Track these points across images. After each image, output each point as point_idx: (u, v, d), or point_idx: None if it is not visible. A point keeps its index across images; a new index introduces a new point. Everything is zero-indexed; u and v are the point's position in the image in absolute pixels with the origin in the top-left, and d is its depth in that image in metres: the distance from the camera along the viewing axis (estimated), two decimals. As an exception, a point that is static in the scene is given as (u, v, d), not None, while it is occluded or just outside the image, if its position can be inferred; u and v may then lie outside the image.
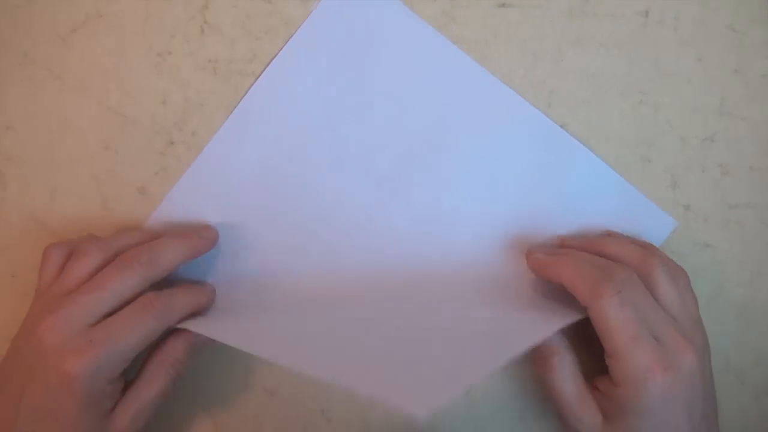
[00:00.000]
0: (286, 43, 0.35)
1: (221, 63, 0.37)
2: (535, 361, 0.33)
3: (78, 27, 0.37)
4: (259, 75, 0.37)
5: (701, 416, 0.30)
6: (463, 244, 0.36)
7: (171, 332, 0.32)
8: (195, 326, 0.31)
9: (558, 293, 0.33)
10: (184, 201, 0.36)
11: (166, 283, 0.33)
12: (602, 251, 0.33)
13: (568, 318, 0.31)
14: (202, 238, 0.35)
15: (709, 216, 0.37)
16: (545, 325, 0.30)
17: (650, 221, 0.36)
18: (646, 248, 0.33)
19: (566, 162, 0.36)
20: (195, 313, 0.33)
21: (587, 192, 0.36)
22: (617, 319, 0.30)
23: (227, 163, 0.36)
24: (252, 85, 0.37)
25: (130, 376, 0.32)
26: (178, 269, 0.33)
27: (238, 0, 0.37)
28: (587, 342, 0.33)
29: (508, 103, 0.35)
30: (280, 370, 0.38)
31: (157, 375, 0.32)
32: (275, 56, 0.36)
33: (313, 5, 0.37)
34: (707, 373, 0.31)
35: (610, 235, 0.36)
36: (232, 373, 0.38)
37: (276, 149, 0.35)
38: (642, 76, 0.37)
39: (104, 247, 0.32)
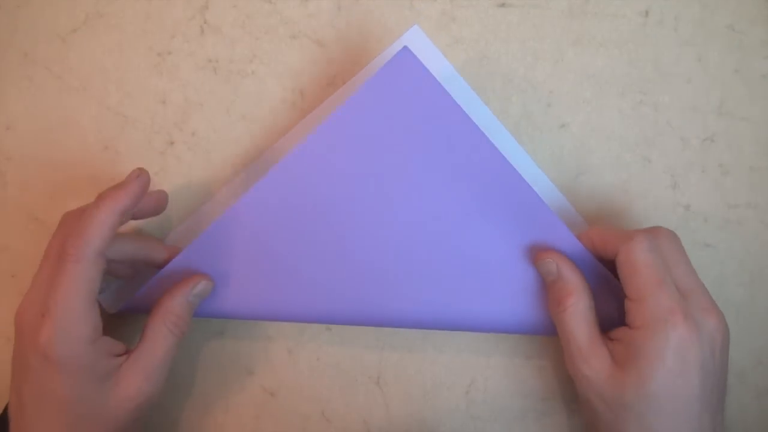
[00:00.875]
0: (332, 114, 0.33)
1: (221, 63, 0.37)
2: (550, 300, 0.33)
3: (78, 27, 0.37)
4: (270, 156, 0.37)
5: (712, 388, 0.29)
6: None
7: (168, 292, 0.33)
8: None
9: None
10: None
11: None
12: None
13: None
14: (129, 185, 0.31)
15: (709, 216, 0.37)
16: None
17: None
18: None
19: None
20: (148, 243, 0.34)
21: None
22: (645, 261, 0.30)
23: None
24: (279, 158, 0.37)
25: (132, 344, 0.32)
26: None
27: (238, 0, 0.37)
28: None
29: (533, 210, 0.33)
30: (280, 370, 0.38)
31: (159, 334, 0.32)
32: (309, 134, 0.33)
33: (313, 5, 0.37)
34: (725, 353, 0.31)
35: None
36: (232, 373, 0.38)
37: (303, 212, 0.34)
38: (642, 76, 0.37)
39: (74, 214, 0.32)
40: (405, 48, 0.32)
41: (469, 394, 0.37)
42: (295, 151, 0.33)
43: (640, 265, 0.30)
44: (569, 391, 0.37)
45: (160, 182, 0.37)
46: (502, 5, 0.37)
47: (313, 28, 0.37)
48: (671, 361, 0.29)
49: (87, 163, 0.37)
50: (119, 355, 0.31)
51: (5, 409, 0.32)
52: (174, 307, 0.32)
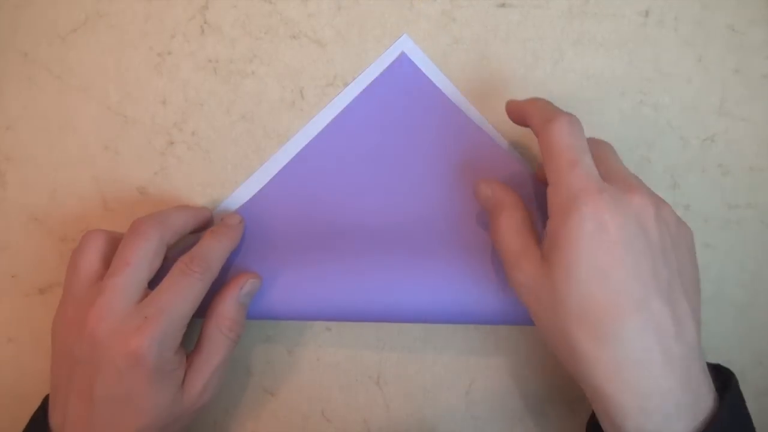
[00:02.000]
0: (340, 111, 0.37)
1: (221, 63, 0.37)
2: (490, 224, 0.32)
3: (78, 27, 0.37)
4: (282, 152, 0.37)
5: (656, 270, 0.27)
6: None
7: (218, 296, 0.33)
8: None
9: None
10: None
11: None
12: None
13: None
14: (206, 210, 0.36)
15: (709, 216, 0.37)
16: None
17: None
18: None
19: None
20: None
21: None
22: (561, 142, 0.28)
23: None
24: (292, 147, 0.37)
25: (189, 348, 0.33)
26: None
27: (238, 0, 0.37)
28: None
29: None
30: (280, 370, 0.38)
31: (216, 341, 0.32)
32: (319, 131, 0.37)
33: (313, 5, 0.37)
34: (678, 239, 0.28)
35: None
36: (232, 373, 0.38)
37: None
38: (642, 76, 0.37)
39: (103, 234, 0.33)
40: (403, 54, 0.37)
41: (469, 394, 0.37)
42: (301, 153, 0.37)
43: (554, 147, 0.28)
44: (569, 392, 0.37)
45: (160, 182, 0.37)
46: (502, 5, 0.37)
47: (313, 28, 0.37)
48: (588, 240, 0.26)
49: (87, 163, 0.37)
50: (183, 361, 0.32)
51: (44, 402, 0.32)
52: (226, 312, 0.32)
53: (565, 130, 0.28)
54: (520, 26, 0.37)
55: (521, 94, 0.37)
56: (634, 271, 0.26)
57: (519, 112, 0.33)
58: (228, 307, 0.33)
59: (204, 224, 0.36)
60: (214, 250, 0.33)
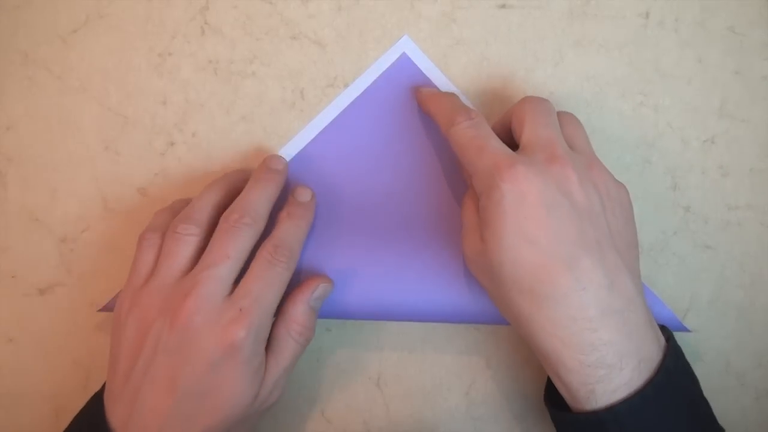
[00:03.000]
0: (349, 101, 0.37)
1: (222, 64, 0.37)
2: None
3: (79, 27, 0.37)
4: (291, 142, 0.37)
5: (582, 229, 0.28)
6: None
7: (289, 298, 0.33)
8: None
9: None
10: None
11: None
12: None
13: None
14: (273, 170, 0.34)
15: (709, 217, 0.37)
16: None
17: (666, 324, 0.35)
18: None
19: None
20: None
21: None
22: (464, 138, 0.30)
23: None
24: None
25: None
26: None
27: (238, 1, 0.37)
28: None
29: None
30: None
31: (285, 344, 0.32)
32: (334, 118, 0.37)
33: (313, 6, 0.37)
34: (602, 195, 0.29)
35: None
36: (232, 373, 0.38)
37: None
38: (642, 77, 0.37)
39: (196, 221, 0.32)
40: (404, 54, 0.37)
41: (469, 395, 0.38)
42: (301, 153, 0.37)
43: (461, 145, 0.30)
44: (569, 393, 0.37)
45: (160, 183, 0.37)
46: (503, 6, 0.37)
47: (313, 28, 0.37)
48: (512, 211, 0.28)
49: (87, 163, 0.37)
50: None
51: (96, 396, 0.32)
52: (296, 316, 0.32)
53: (467, 131, 0.30)
54: (520, 27, 0.37)
55: (521, 95, 0.37)
56: (560, 234, 0.27)
57: (423, 106, 0.35)
58: (298, 311, 0.33)
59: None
60: (294, 234, 0.33)
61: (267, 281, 0.31)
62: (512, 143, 0.31)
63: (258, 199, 0.32)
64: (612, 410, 0.27)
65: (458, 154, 0.31)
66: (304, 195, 0.35)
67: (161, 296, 0.30)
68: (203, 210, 0.32)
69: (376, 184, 0.36)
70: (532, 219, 0.27)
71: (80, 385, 0.38)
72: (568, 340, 0.27)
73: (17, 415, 0.38)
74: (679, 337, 0.32)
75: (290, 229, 0.33)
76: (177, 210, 0.33)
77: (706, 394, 0.31)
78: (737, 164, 0.37)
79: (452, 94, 0.34)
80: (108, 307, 0.36)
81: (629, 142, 0.37)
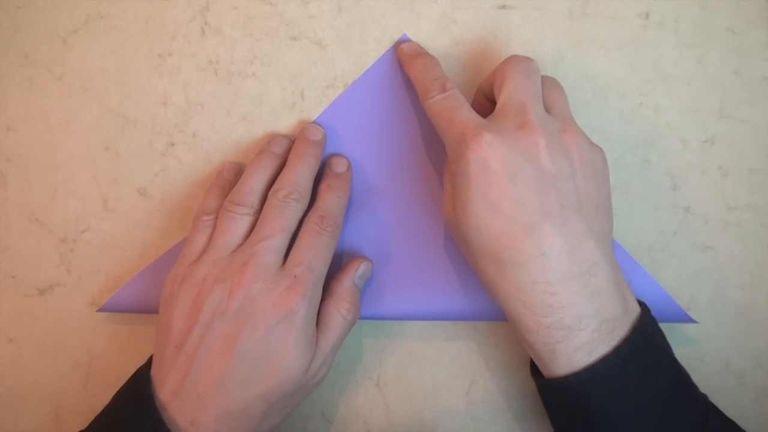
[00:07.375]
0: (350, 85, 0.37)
1: (222, 64, 0.37)
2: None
3: (79, 28, 0.37)
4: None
5: (545, 194, 0.28)
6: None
7: (335, 277, 0.34)
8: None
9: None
10: None
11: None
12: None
13: None
14: (313, 142, 0.35)
15: (709, 218, 0.37)
16: None
17: (670, 316, 0.35)
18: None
19: None
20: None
21: None
22: (435, 110, 0.31)
23: None
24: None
25: None
26: None
27: (238, 1, 0.37)
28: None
29: None
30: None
31: (335, 321, 0.33)
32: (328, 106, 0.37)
33: (313, 7, 0.37)
34: (574, 161, 0.30)
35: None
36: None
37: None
38: (642, 78, 0.37)
39: (247, 201, 0.33)
40: (404, 35, 0.37)
41: (469, 396, 0.38)
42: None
43: (434, 116, 0.32)
44: (569, 393, 0.37)
45: (160, 184, 0.37)
46: (503, 7, 0.37)
47: (313, 29, 0.37)
48: (476, 179, 0.28)
49: (88, 164, 0.37)
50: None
51: (149, 361, 0.32)
52: (344, 293, 0.34)
53: (440, 103, 0.31)
54: (520, 28, 0.37)
55: (521, 96, 0.37)
56: (522, 201, 0.28)
57: (405, 70, 0.36)
58: (346, 288, 0.34)
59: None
60: (336, 204, 0.34)
61: (317, 250, 0.32)
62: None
63: (302, 174, 0.34)
64: (593, 369, 0.28)
65: (436, 127, 0.32)
66: (340, 166, 0.36)
67: (218, 267, 0.32)
68: (254, 190, 0.34)
69: (375, 184, 0.36)
70: (496, 186, 0.28)
71: (80, 385, 0.38)
72: (530, 303, 0.28)
73: (17, 415, 0.38)
74: (679, 336, 0.33)
75: (332, 200, 0.34)
76: (224, 187, 0.35)
77: (706, 393, 0.31)
78: (737, 165, 0.37)
79: (431, 60, 0.35)
80: (108, 307, 0.36)
81: (629, 142, 0.37)
